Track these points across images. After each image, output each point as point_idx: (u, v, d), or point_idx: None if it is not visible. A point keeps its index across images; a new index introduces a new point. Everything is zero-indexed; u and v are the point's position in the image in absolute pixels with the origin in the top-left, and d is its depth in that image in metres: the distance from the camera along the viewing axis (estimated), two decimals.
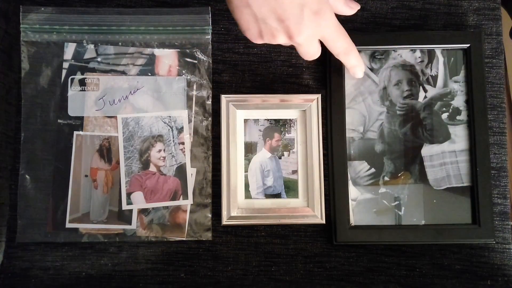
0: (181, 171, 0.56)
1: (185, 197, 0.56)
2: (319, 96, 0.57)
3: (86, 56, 0.57)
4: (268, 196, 0.57)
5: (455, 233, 0.55)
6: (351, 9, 0.53)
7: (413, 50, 0.58)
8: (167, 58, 0.58)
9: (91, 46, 0.57)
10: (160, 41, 0.58)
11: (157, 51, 0.58)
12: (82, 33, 0.57)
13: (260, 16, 0.44)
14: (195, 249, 0.56)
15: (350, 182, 0.56)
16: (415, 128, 0.57)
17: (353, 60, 0.52)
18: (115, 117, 0.57)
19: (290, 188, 0.57)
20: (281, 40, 0.46)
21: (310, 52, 0.49)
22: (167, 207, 0.56)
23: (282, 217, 0.55)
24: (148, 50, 0.58)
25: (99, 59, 0.57)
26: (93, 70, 0.57)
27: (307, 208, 0.56)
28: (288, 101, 0.57)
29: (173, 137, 0.57)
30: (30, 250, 0.56)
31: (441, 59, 0.58)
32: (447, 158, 0.57)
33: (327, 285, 0.56)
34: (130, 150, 0.56)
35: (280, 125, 0.58)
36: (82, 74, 0.57)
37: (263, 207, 0.56)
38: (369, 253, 0.56)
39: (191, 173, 0.57)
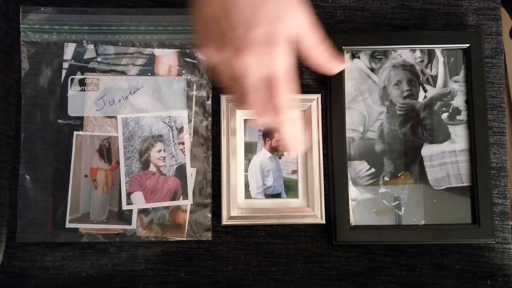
0: (181, 171, 0.56)
1: (185, 197, 0.56)
2: (319, 96, 0.57)
3: (86, 56, 0.57)
4: (268, 196, 0.57)
5: (455, 233, 0.55)
6: (334, 66, 0.45)
7: (413, 50, 0.58)
8: (167, 58, 0.58)
9: (91, 46, 0.57)
10: (160, 41, 0.58)
11: (157, 51, 0.58)
12: (82, 33, 0.57)
13: (211, 18, 0.39)
14: (195, 249, 0.56)
15: (350, 182, 0.56)
16: (415, 128, 0.57)
17: (288, 129, 0.44)
18: (115, 117, 0.57)
19: (290, 188, 0.57)
20: (222, 56, 0.40)
21: (251, 89, 0.40)
22: (167, 207, 0.56)
23: (282, 217, 0.55)
24: (148, 50, 0.58)
25: (99, 59, 0.57)
26: (93, 70, 0.57)
27: (307, 208, 0.56)
28: None
29: (173, 137, 0.57)
30: (30, 250, 0.56)
31: (441, 59, 0.58)
32: (447, 158, 0.57)
33: (327, 285, 0.56)
34: (130, 150, 0.56)
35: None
36: (82, 74, 0.57)
37: (263, 207, 0.56)
38: (369, 253, 0.56)
39: (191, 173, 0.57)
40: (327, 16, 0.59)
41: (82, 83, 0.57)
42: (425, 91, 0.58)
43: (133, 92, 0.57)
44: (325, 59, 0.45)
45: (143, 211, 0.56)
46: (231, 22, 0.39)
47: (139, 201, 0.56)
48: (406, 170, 0.57)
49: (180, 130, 0.57)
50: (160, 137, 0.57)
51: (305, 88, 0.58)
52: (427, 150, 0.57)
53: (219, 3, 0.39)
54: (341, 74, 0.57)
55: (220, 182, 0.56)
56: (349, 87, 0.58)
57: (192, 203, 0.56)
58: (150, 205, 0.56)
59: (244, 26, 0.39)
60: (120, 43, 0.58)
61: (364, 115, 0.58)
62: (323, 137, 0.57)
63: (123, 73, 0.57)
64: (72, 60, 0.57)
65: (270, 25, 0.39)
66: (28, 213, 0.55)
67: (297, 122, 0.43)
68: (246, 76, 0.40)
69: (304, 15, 0.42)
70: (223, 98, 0.57)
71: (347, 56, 0.58)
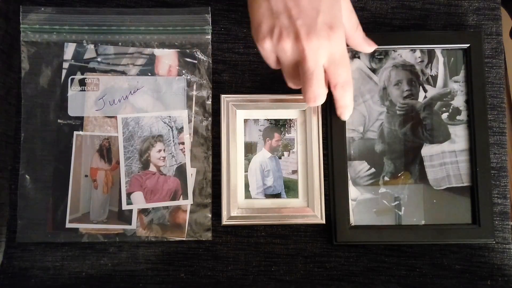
0: (181, 171, 0.56)
1: (185, 197, 0.56)
2: None
3: (86, 56, 0.57)
4: (268, 196, 0.57)
5: (455, 233, 0.55)
6: (369, 46, 0.53)
7: (413, 50, 0.58)
8: (167, 58, 0.58)
9: (91, 46, 0.58)
10: (160, 41, 0.58)
11: (157, 51, 0.58)
12: (82, 33, 0.57)
13: (276, 10, 0.44)
14: (195, 249, 0.56)
15: (350, 182, 0.56)
16: (415, 128, 0.57)
17: (348, 98, 0.51)
18: (115, 117, 0.57)
19: (290, 188, 0.57)
20: (287, 43, 0.45)
21: (315, 72, 0.46)
22: (167, 207, 0.56)
23: (282, 217, 0.55)
24: (148, 50, 0.58)
25: (99, 59, 0.57)
26: (93, 70, 0.57)
27: (307, 208, 0.56)
28: (288, 101, 0.57)
29: (173, 137, 0.57)
30: (30, 250, 0.56)
31: (441, 59, 0.58)
32: (447, 158, 0.57)
33: (327, 285, 0.56)
34: (130, 150, 0.56)
35: (280, 125, 0.58)
36: (82, 74, 0.57)
37: (263, 207, 0.56)
38: (369, 253, 0.56)
39: (191, 173, 0.57)
40: None
41: (82, 83, 0.57)
42: (425, 91, 0.58)
43: (133, 92, 0.57)
44: (363, 40, 0.53)
45: (143, 211, 0.56)
46: (298, 11, 0.44)
47: (139, 201, 0.56)
48: (406, 170, 0.57)
49: (180, 130, 0.57)
50: (160, 137, 0.57)
51: None
52: (427, 150, 0.57)
53: (283, 3, 0.44)
54: None
55: (220, 182, 0.56)
56: None
57: (192, 203, 0.56)
58: (150, 205, 0.56)
59: (311, 14, 0.44)
60: (120, 43, 0.58)
61: (364, 115, 0.58)
62: (323, 137, 0.57)
63: (123, 73, 0.57)
64: (72, 60, 0.57)
65: (330, 11, 0.45)
66: (28, 213, 0.55)
67: (351, 89, 0.51)
68: (307, 60, 0.45)
69: (346, 0, 0.48)
70: (223, 98, 0.57)
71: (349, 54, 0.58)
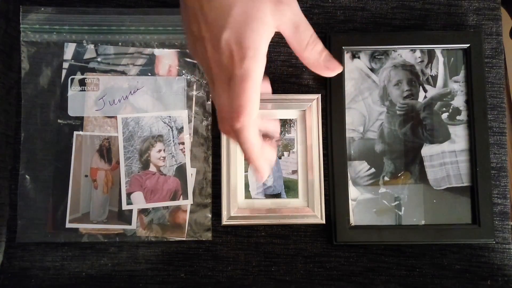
0: (181, 171, 0.56)
1: (185, 197, 0.56)
2: (319, 96, 0.57)
3: (86, 56, 0.57)
4: (268, 196, 0.57)
5: (455, 233, 0.55)
6: (327, 70, 0.43)
7: (413, 50, 0.58)
8: (167, 58, 0.58)
9: (91, 46, 0.57)
10: (160, 41, 0.58)
11: (157, 51, 0.58)
12: (82, 33, 0.57)
13: (191, 18, 0.39)
14: (195, 249, 0.56)
15: (350, 182, 0.56)
16: (415, 128, 0.57)
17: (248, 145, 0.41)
18: (115, 117, 0.57)
19: (290, 188, 0.57)
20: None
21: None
22: (167, 207, 0.56)
23: (282, 217, 0.55)
24: (148, 50, 0.58)
25: (99, 59, 0.57)
26: (93, 70, 0.57)
27: (307, 208, 0.56)
28: (288, 101, 0.57)
29: (173, 137, 0.57)
30: (30, 250, 0.56)
31: (441, 59, 0.58)
32: (447, 158, 0.57)
33: (327, 285, 0.56)
34: (130, 150, 0.56)
35: (280, 125, 0.58)
36: (82, 74, 0.57)
37: (263, 207, 0.56)
38: (369, 253, 0.56)
39: (191, 173, 0.57)
40: (327, 16, 0.59)
41: (82, 83, 0.57)
42: (425, 91, 0.58)
43: (133, 92, 0.57)
44: (317, 61, 0.42)
45: (143, 211, 0.56)
46: (206, 23, 0.38)
47: (139, 201, 0.56)
48: (406, 170, 0.57)
49: (180, 130, 0.57)
50: (160, 137, 0.57)
51: (305, 88, 0.58)
52: (427, 150, 0.57)
53: (196, 4, 0.38)
54: (341, 74, 0.57)
55: (220, 182, 0.56)
56: (349, 87, 0.58)
57: (192, 203, 0.56)
58: (150, 205, 0.56)
59: (216, 28, 0.38)
60: (120, 43, 0.58)
61: (364, 115, 0.58)
62: (323, 137, 0.57)
63: (123, 73, 0.57)
64: (72, 60, 0.57)
65: (239, 29, 0.37)
66: (28, 213, 0.55)
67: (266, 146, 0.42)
68: (215, 78, 0.39)
69: (288, 14, 0.39)
70: None
71: (347, 56, 0.58)
